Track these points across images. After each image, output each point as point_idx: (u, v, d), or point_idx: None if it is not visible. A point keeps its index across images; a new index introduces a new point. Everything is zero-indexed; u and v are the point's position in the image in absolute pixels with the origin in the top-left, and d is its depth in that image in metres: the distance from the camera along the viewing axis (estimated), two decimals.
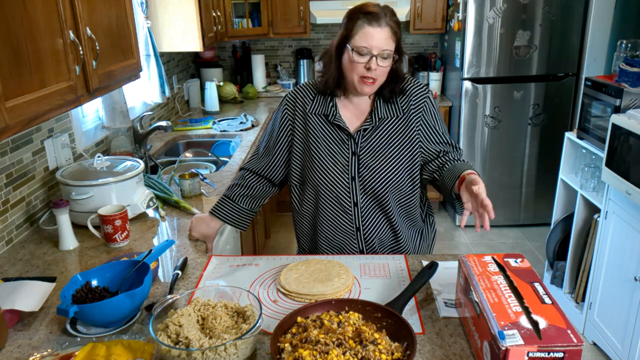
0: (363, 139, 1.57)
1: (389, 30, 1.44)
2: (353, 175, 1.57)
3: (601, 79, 2.58)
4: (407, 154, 1.57)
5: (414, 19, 4.06)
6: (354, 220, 1.62)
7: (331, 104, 1.58)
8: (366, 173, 1.57)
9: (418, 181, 1.61)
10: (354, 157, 1.57)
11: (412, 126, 1.58)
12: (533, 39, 3.62)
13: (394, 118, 1.58)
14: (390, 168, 1.56)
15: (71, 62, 1.46)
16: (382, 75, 1.49)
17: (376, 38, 1.43)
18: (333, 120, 1.57)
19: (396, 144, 1.57)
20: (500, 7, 3.55)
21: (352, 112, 1.59)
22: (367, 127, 1.57)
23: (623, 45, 2.65)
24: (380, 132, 1.57)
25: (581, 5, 3.57)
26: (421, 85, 1.61)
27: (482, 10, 3.55)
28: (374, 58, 1.44)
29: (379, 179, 1.56)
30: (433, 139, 1.60)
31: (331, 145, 1.58)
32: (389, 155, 1.56)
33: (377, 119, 1.57)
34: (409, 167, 1.58)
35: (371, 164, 1.56)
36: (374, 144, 1.57)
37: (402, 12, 3.99)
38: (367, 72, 1.46)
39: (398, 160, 1.57)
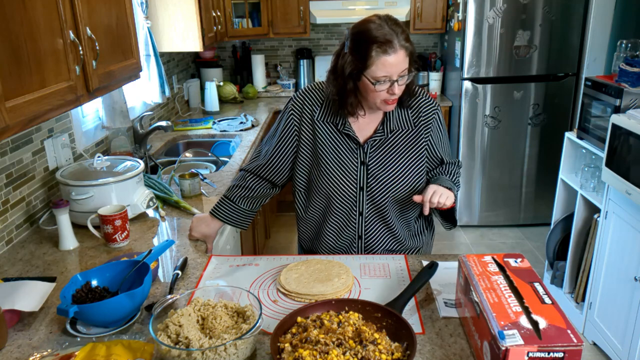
0: (372, 149, 1.56)
1: (404, 52, 1.39)
2: (362, 185, 1.57)
3: (601, 79, 2.58)
4: (414, 166, 1.57)
5: (414, 19, 4.06)
6: (357, 228, 1.62)
7: (341, 112, 1.55)
8: (374, 184, 1.56)
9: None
10: (362, 167, 1.56)
11: (421, 139, 1.57)
12: (533, 39, 3.62)
13: (404, 130, 1.57)
14: (398, 179, 1.56)
15: (71, 62, 1.46)
16: (402, 91, 1.47)
17: (394, 64, 1.38)
18: (342, 130, 1.55)
19: (405, 155, 1.56)
20: (500, 7, 3.55)
21: (362, 122, 1.57)
22: (378, 138, 1.55)
23: (623, 45, 2.65)
24: (390, 143, 1.56)
25: (581, 5, 3.57)
26: (431, 100, 1.60)
27: (482, 10, 3.55)
28: (395, 83, 1.41)
29: (387, 189, 1.56)
30: (432, 155, 1.61)
31: (340, 154, 1.56)
32: (397, 167, 1.55)
33: (388, 131, 1.55)
34: (415, 179, 1.58)
35: (379, 174, 1.55)
36: (383, 154, 1.56)
37: (402, 12, 3.99)
38: (390, 97, 1.45)
39: (406, 172, 1.56)
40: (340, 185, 1.57)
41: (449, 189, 1.51)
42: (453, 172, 1.64)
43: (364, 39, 1.39)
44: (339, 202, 1.59)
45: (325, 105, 1.57)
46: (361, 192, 1.57)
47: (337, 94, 1.49)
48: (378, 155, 1.56)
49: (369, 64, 1.39)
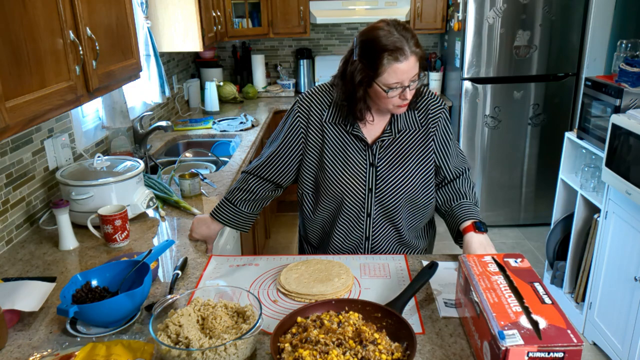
0: (381, 150, 1.54)
1: (414, 58, 1.38)
2: (370, 187, 1.56)
3: (601, 79, 2.58)
4: (423, 167, 1.56)
5: (414, 19, 4.05)
6: (365, 229, 1.61)
7: (350, 117, 1.54)
8: (383, 185, 1.55)
9: (432, 195, 1.61)
10: (371, 169, 1.55)
11: (429, 139, 1.57)
12: (533, 39, 3.62)
13: (412, 130, 1.56)
14: (407, 181, 1.55)
15: (71, 62, 1.46)
16: (412, 95, 1.47)
17: (406, 71, 1.38)
18: (351, 131, 1.53)
19: (413, 156, 1.55)
20: (500, 7, 3.55)
21: (370, 123, 1.55)
22: (386, 138, 1.54)
23: (623, 45, 2.65)
24: (398, 144, 1.55)
25: (581, 5, 3.57)
26: (438, 99, 1.60)
27: (482, 10, 3.55)
28: (407, 88, 1.41)
29: (396, 191, 1.55)
30: (441, 154, 1.59)
31: (348, 156, 1.55)
32: (406, 168, 1.55)
33: (396, 131, 1.55)
34: (424, 180, 1.57)
35: (388, 176, 1.54)
36: (392, 155, 1.55)
37: (402, 12, 3.99)
38: (402, 102, 1.44)
39: (415, 173, 1.55)
40: (350, 187, 1.55)
41: (484, 227, 1.58)
42: (470, 189, 1.63)
43: (374, 47, 1.38)
44: (348, 204, 1.57)
45: (333, 107, 1.55)
46: (370, 194, 1.56)
47: (346, 99, 1.49)
48: (386, 156, 1.54)
49: (380, 72, 1.38)
